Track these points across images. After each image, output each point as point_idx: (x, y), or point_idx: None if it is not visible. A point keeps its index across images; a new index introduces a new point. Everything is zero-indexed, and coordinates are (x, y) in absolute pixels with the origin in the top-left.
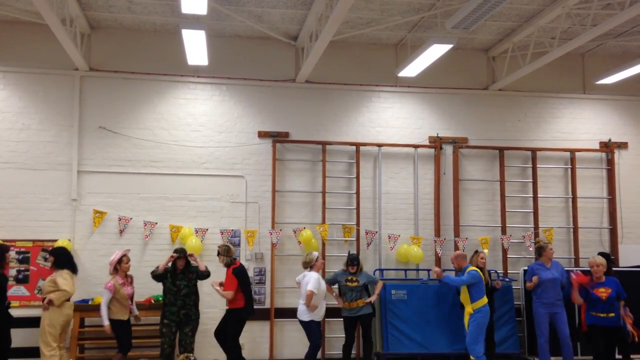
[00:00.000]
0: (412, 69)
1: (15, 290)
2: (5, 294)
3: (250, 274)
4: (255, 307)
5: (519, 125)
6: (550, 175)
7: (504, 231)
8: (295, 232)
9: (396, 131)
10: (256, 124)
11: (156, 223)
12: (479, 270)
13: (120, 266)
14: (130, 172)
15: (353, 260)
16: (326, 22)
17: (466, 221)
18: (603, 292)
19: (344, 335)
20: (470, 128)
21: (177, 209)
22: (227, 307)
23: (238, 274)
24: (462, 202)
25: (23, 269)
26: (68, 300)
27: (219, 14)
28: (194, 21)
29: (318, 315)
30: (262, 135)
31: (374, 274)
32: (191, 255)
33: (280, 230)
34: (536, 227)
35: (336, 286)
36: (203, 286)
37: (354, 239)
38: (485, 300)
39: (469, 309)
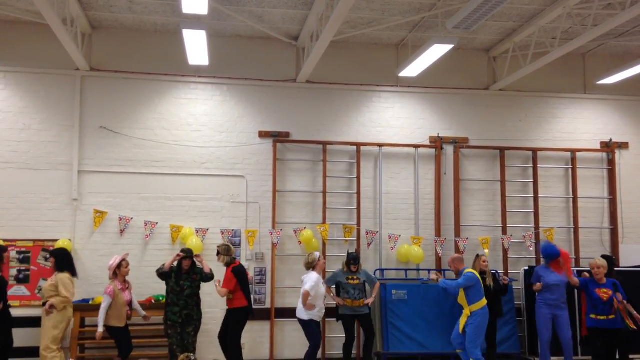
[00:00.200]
0: (413, 69)
1: (15, 290)
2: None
3: (251, 273)
4: (255, 307)
5: (520, 126)
6: (551, 175)
7: (504, 231)
8: (295, 232)
9: (397, 131)
10: (257, 124)
11: (157, 223)
12: (475, 272)
13: (119, 271)
14: (131, 172)
15: (355, 260)
16: (327, 22)
17: (467, 221)
18: (605, 293)
19: (344, 335)
20: (471, 128)
21: (178, 209)
22: (227, 307)
23: (237, 273)
24: (463, 202)
25: (24, 268)
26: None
27: (219, 14)
28: (195, 21)
29: (318, 315)
30: (262, 135)
31: (374, 273)
32: (198, 256)
33: (281, 230)
34: (537, 227)
35: (333, 286)
36: (204, 286)
37: (355, 239)
38: (483, 302)
39: (466, 311)
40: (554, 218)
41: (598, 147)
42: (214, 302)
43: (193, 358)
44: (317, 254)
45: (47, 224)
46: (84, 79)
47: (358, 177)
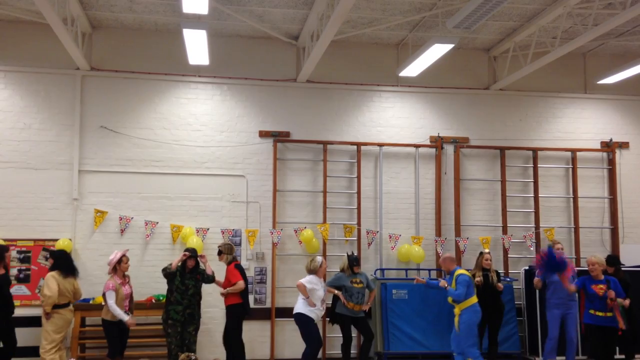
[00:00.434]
0: (414, 69)
1: (16, 290)
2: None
3: (251, 273)
4: (256, 306)
5: (520, 125)
6: (552, 175)
7: (505, 231)
8: (296, 232)
9: (397, 131)
10: (257, 123)
11: (157, 222)
12: (466, 273)
13: (119, 266)
14: (132, 171)
15: (357, 261)
16: (327, 21)
17: (467, 221)
18: (600, 289)
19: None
20: (472, 128)
21: (178, 209)
22: (225, 305)
23: (240, 269)
24: (463, 201)
25: (24, 268)
26: (68, 304)
27: (220, 14)
28: (195, 21)
29: (316, 314)
30: (263, 134)
31: (374, 273)
32: (202, 257)
33: (281, 229)
34: (537, 227)
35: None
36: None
37: (355, 238)
38: (473, 300)
39: (456, 310)
40: (554, 218)
41: (598, 146)
42: (214, 302)
43: (194, 357)
44: (319, 259)
45: (47, 224)
46: (85, 78)
47: (358, 177)
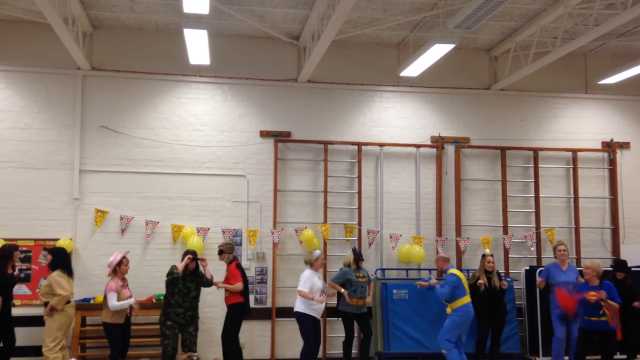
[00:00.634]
0: (414, 69)
1: (16, 289)
2: (7, 294)
3: (252, 273)
4: (256, 306)
5: (521, 125)
6: (552, 175)
7: (505, 231)
8: (297, 232)
9: (398, 131)
10: (258, 123)
11: (158, 222)
12: (457, 272)
13: (119, 268)
14: (132, 171)
15: (361, 255)
16: (328, 21)
17: (468, 221)
18: (593, 296)
19: (344, 334)
20: (472, 128)
21: (179, 208)
22: (226, 304)
23: (241, 268)
24: (464, 201)
25: (25, 267)
26: (69, 302)
27: (221, 14)
28: (196, 20)
29: (315, 310)
30: (264, 134)
31: (375, 273)
32: (203, 260)
33: (282, 229)
34: (538, 227)
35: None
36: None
37: (356, 238)
38: (465, 300)
39: (448, 309)
40: (555, 218)
41: (599, 147)
42: (214, 302)
43: (195, 357)
44: (317, 252)
45: (48, 223)
46: (85, 78)
47: (359, 177)
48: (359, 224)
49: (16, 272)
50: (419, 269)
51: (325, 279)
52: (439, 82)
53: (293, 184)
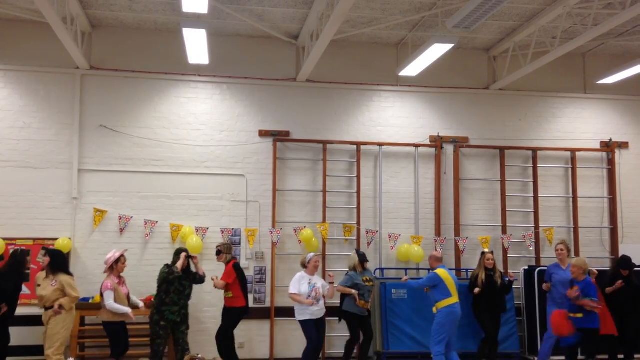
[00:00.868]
0: (413, 69)
1: None
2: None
3: (251, 272)
4: (255, 306)
5: (520, 125)
6: (551, 174)
7: (504, 231)
8: (295, 231)
9: (397, 130)
10: (257, 123)
11: (157, 222)
12: (442, 272)
13: (116, 266)
14: (131, 170)
15: (366, 256)
16: (327, 21)
17: (467, 221)
18: (573, 292)
19: (344, 335)
20: (471, 127)
21: (178, 208)
22: (225, 306)
23: (238, 268)
24: (463, 201)
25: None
26: None
27: (220, 13)
28: (195, 20)
29: (310, 313)
30: (263, 134)
31: (374, 273)
32: (194, 257)
33: (281, 229)
34: (537, 227)
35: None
36: (204, 285)
37: (355, 238)
38: (450, 301)
39: (434, 309)
40: (553, 218)
41: (598, 146)
42: (213, 301)
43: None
44: (311, 255)
45: (47, 223)
46: (84, 77)
47: (358, 176)
48: (358, 223)
49: None
50: (418, 269)
51: (324, 277)
52: (437, 82)
53: (292, 184)
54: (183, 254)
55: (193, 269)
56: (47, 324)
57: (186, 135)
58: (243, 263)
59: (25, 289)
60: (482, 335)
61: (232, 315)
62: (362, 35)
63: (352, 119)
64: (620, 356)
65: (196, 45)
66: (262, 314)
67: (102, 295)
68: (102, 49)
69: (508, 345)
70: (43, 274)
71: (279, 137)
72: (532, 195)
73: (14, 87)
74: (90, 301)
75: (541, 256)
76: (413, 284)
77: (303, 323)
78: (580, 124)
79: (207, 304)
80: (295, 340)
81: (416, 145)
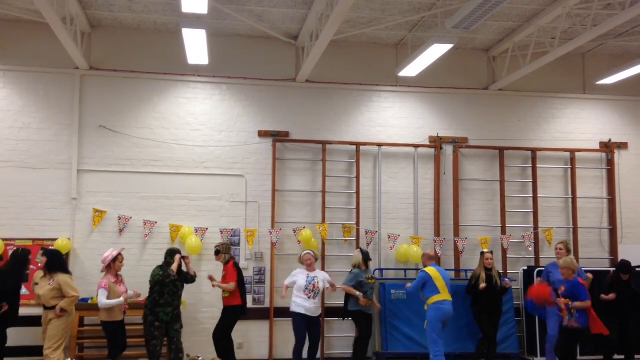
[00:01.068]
0: (413, 69)
1: None
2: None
3: (250, 273)
4: (255, 306)
5: (519, 125)
6: (550, 175)
7: (503, 231)
8: (295, 232)
9: (396, 131)
10: (256, 123)
11: (156, 222)
12: (431, 270)
13: (113, 264)
14: (130, 171)
15: (370, 255)
16: (327, 21)
17: (466, 221)
18: (560, 291)
19: (343, 335)
20: (471, 128)
21: (177, 208)
22: (224, 305)
23: (238, 267)
24: (462, 202)
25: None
26: None
27: (219, 13)
28: (195, 20)
29: (305, 308)
30: (262, 134)
31: (373, 273)
32: (186, 258)
33: (280, 229)
34: (536, 228)
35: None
36: (202, 285)
37: (354, 238)
38: (437, 297)
39: (425, 307)
40: (553, 218)
41: (597, 147)
42: (213, 302)
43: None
44: (304, 252)
45: (46, 223)
46: (84, 77)
47: (357, 177)
48: (357, 224)
49: None
50: (417, 269)
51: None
52: (437, 82)
53: (291, 184)
54: (177, 256)
55: (184, 268)
56: (47, 325)
57: (185, 136)
58: (242, 263)
59: (24, 289)
60: (480, 336)
61: (230, 315)
62: (362, 35)
63: (351, 120)
64: (621, 357)
65: (196, 46)
66: (261, 314)
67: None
68: (101, 49)
69: (507, 345)
70: (41, 272)
71: (278, 137)
72: (531, 195)
73: (13, 87)
74: (90, 302)
75: (540, 257)
76: (410, 289)
77: (293, 315)
78: (580, 125)
79: (206, 304)
80: (294, 341)
81: (415, 146)
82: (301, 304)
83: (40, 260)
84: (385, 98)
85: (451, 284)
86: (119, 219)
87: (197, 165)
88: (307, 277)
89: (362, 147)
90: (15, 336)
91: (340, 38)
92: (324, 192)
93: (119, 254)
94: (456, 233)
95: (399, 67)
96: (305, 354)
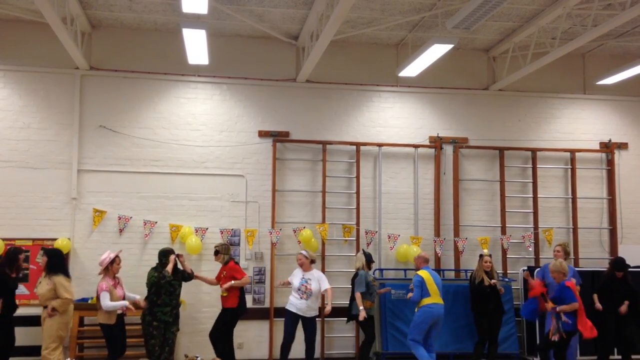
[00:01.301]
0: (413, 69)
1: None
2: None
3: (250, 273)
4: (255, 306)
5: (519, 126)
6: (550, 175)
7: (503, 231)
8: (295, 232)
9: (396, 131)
10: (256, 123)
11: (156, 222)
12: (424, 273)
13: (111, 267)
14: (131, 171)
15: (372, 256)
16: (327, 21)
17: (466, 221)
18: (548, 307)
19: (343, 335)
20: (471, 128)
21: (177, 208)
22: (223, 307)
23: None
24: (462, 202)
25: (23, 267)
26: None
27: (219, 13)
28: (195, 20)
29: (296, 307)
30: (262, 134)
31: (373, 273)
32: (181, 256)
33: (280, 229)
34: (536, 228)
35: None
36: (202, 285)
37: (354, 238)
38: (427, 300)
39: (416, 309)
40: (553, 218)
41: (597, 147)
42: (212, 302)
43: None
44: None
45: (46, 223)
46: (84, 77)
47: (357, 177)
48: (357, 224)
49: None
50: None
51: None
52: (437, 83)
53: (291, 184)
54: (172, 257)
55: (180, 267)
56: (43, 323)
57: (186, 136)
58: (242, 263)
59: (24, 289)
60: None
61: (229, 316)
62: (362, 35)
63: (351, 120)
64: (618, 357)
65: (196, 46)
66: (261, 314)
67: (98, 297)
68: (101, 49)
69: (507, 345)
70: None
71: (278, 137)
72: (531, 195)
73: (13, 88)
74: (89, 301)
75: (540, 257)
76: (413, 298)
77: (285, 311)
78: (580, 125)
79: (205, 304)
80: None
81: (416, 146)
82: (293, 302)
83: (41, 260)
84: (385, 98)
85: (450, 284)
86: (119, 219)
87: (197, 165)
88: (302, 278)
89: (362, 147)
90: (16, 336)
91: (341, 38)
92: (324, 192)
93: (117, 256)
94: (456, 233)
95: (399, 67)
96: (303, 354)
